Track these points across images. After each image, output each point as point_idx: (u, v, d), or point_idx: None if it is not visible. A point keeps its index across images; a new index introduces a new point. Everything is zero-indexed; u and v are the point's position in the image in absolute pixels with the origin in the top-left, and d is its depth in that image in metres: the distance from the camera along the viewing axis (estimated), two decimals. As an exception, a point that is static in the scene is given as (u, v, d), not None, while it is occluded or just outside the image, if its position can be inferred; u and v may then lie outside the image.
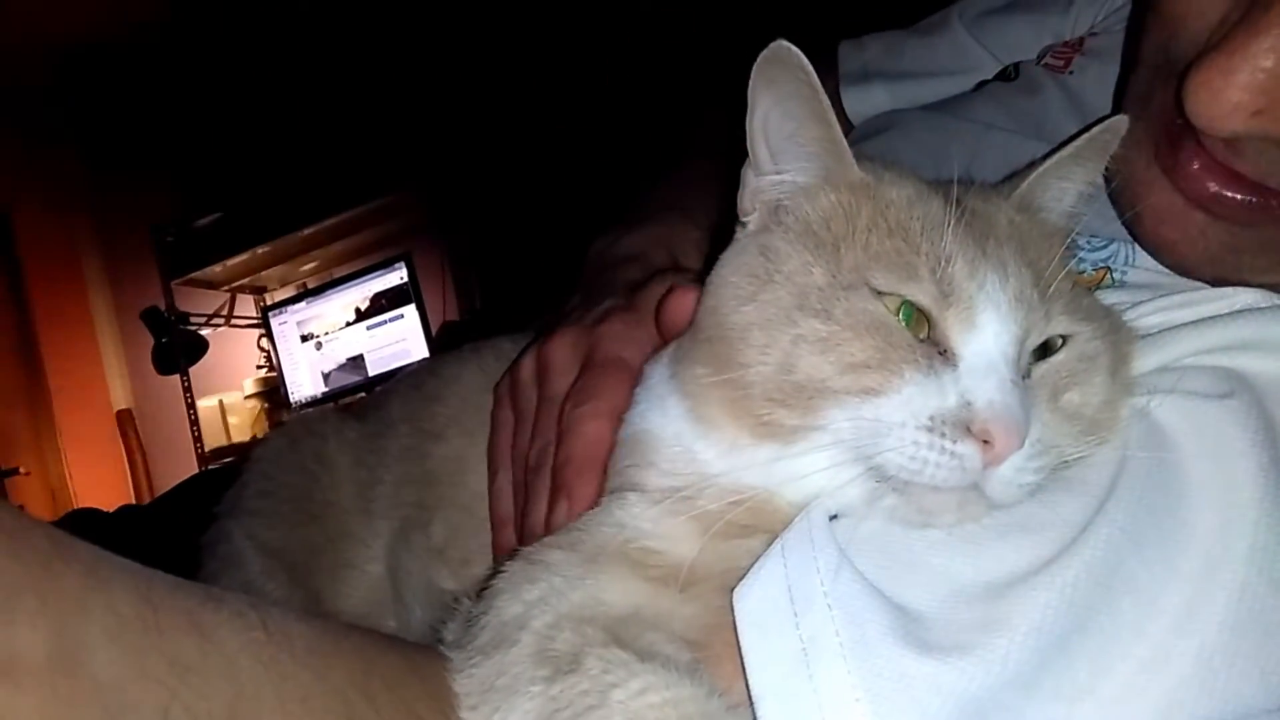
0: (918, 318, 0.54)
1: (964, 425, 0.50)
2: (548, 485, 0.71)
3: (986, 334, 0.53)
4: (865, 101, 1.11)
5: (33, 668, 0.38)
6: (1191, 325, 0.59)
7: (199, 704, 0.43)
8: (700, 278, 0.64)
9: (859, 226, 0.57)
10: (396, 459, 0.88)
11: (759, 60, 0.56)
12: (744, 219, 0.63)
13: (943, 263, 0.54)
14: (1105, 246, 0.70)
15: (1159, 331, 0.60)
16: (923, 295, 0.53)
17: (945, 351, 0.53)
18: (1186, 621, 0.47)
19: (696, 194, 0.98)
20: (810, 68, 0.55)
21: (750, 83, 0.57)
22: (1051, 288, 0.56)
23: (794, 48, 0.55)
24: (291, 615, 0.53)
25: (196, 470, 4.14)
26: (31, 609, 0.39)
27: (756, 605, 0.51)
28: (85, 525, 1.41)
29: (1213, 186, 0.57)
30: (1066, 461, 0.54)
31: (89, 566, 0.43)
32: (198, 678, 0.43)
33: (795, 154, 0.59)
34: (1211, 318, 0.59)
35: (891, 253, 0.55)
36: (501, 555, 0.75)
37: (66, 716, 0.39)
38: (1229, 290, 0.60)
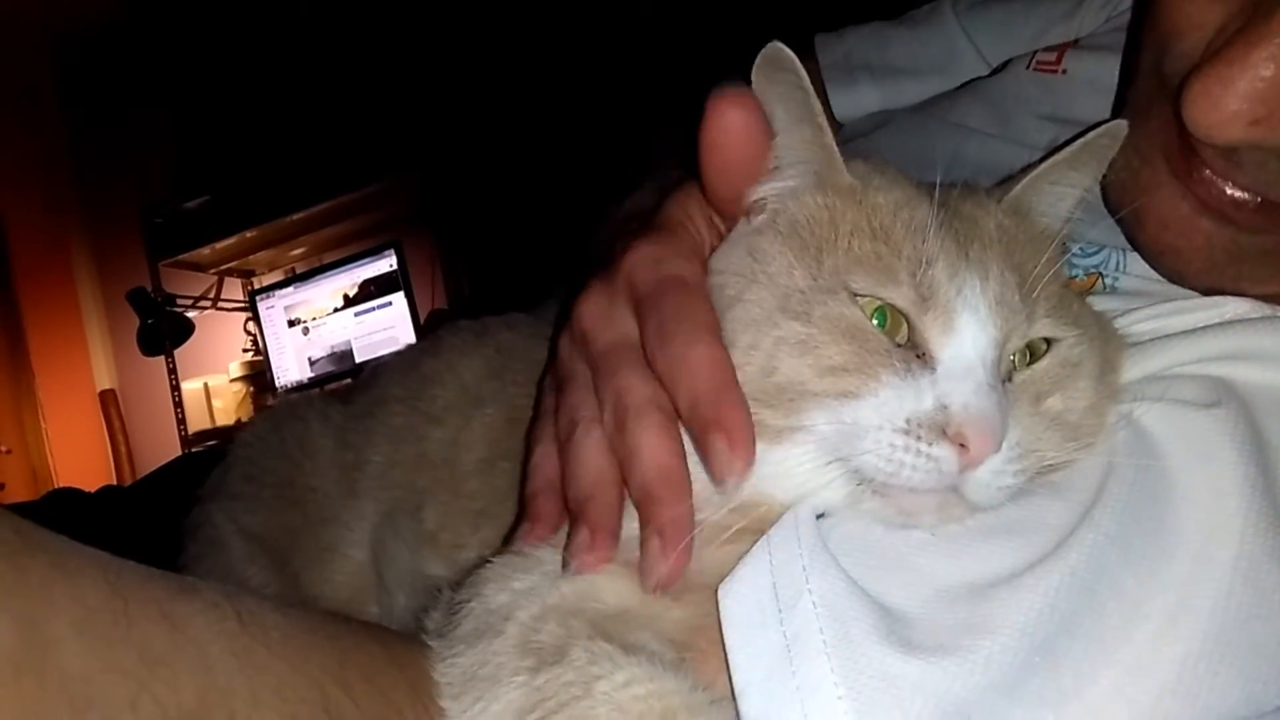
0: (897, 321, 0.54)
1: (940, 428, 0.50)
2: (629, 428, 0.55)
3: (964, 337, 0.53)
4: (854, 102, 1.09)
5: None
6: (1182, 335, 0.59)
7: (169, 696, 0.42)
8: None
9: (842, 231, 0.56)
10: (386, 440, 0.87)
11: (757, 63, 0.56)
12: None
13: (924, 266, 0.53)
14: (1096, 253, 0.70)
15: (1149, 340, 0.61)
16: (900, 299, 0.53)
17: (924, 355, 0.53)
18: (1171, 629, 0.47)
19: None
20: (803, 71, 0.55)
21: (752, 86, 0.57)
22: (1036, 291, 0.56)
23: (786, 49, 0.54)
24: (267, 605, 0.52)
25: (179, 453, 4.12)
26: None
27: (741, 601, 0.51)
28: (66, 504, 1.40)
29: (1228, 189, 0.56)
30: (1052, 466, 0.54)
31: (56, 558, 0.43)
32: (167, 669, 0.43)
33: (787, 157, 0.59)
34: (1203, 327, 0.59)
35: (872, 256, 0.55)
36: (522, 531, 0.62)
37: (32, 710, 0.38)
38: (1220, 299, 0.61)
